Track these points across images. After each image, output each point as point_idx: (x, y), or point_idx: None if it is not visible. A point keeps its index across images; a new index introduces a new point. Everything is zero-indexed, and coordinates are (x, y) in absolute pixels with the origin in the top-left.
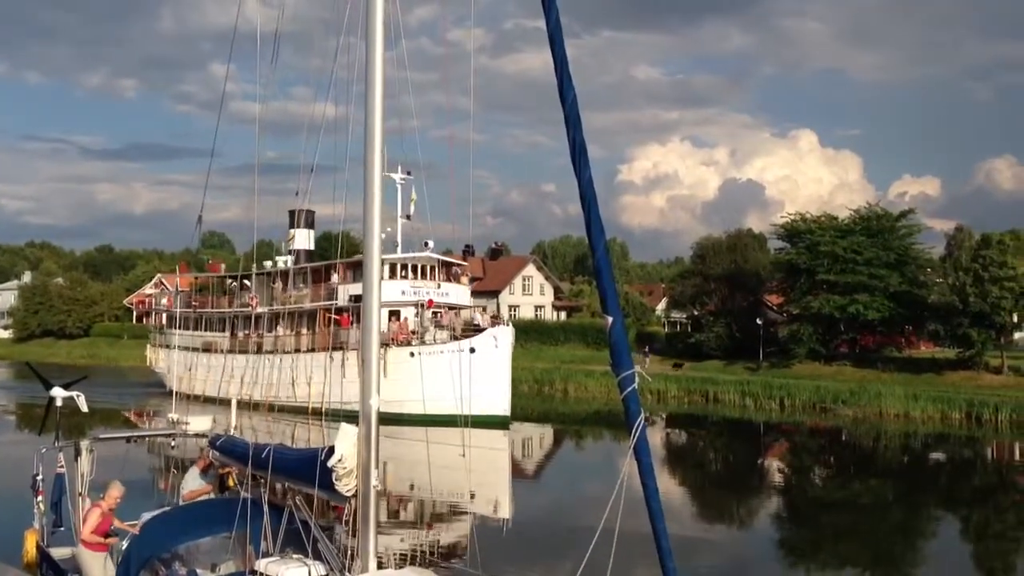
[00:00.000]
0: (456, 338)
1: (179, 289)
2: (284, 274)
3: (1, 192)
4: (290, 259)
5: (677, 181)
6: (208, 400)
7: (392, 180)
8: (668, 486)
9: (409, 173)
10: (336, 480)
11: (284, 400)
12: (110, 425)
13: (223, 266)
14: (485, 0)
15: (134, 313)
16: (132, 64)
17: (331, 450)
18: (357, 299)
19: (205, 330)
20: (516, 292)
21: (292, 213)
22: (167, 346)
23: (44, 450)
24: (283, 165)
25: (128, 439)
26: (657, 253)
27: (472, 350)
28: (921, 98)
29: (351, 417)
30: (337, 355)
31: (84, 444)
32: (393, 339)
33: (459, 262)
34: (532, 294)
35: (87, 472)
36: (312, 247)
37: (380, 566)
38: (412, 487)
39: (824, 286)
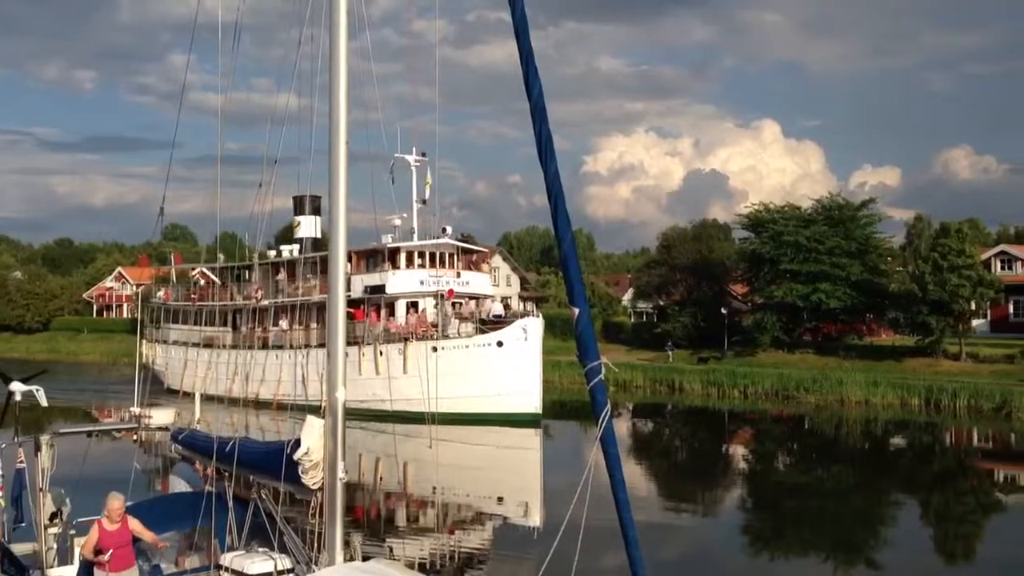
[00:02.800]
0: (481, 331)
1: (175, 281)
2: (290, 264)
3: None
4: (295, 248)
5: (642, 172)
6: (210, 399)
7: (407, 162)
8: (635, 475)
9: (424, 154)
10: (302, 473)
11: (294, 398)
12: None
13: (222, 256)
14: None
15: (94, 307)
16: (90, 55)
17: (297, 443)
18: (373, 290)
19: (205, 324)
20: None
21: (296, 199)
22: (164, 341)
23: (3, 445)
24: (246, 156)
25: (89, 434)
26: (623, 243)
27: (499, 343)
28: (880, 88)
29: (377, 414)
30: (352, 351)
31: (44, 439)
32: (412, 333)
33: (479, 248)
34: (499, 285)
35: (47, 467)
36: (319, 235)
37: (347, 559)
38: (435, 489)
39: (787, 275)
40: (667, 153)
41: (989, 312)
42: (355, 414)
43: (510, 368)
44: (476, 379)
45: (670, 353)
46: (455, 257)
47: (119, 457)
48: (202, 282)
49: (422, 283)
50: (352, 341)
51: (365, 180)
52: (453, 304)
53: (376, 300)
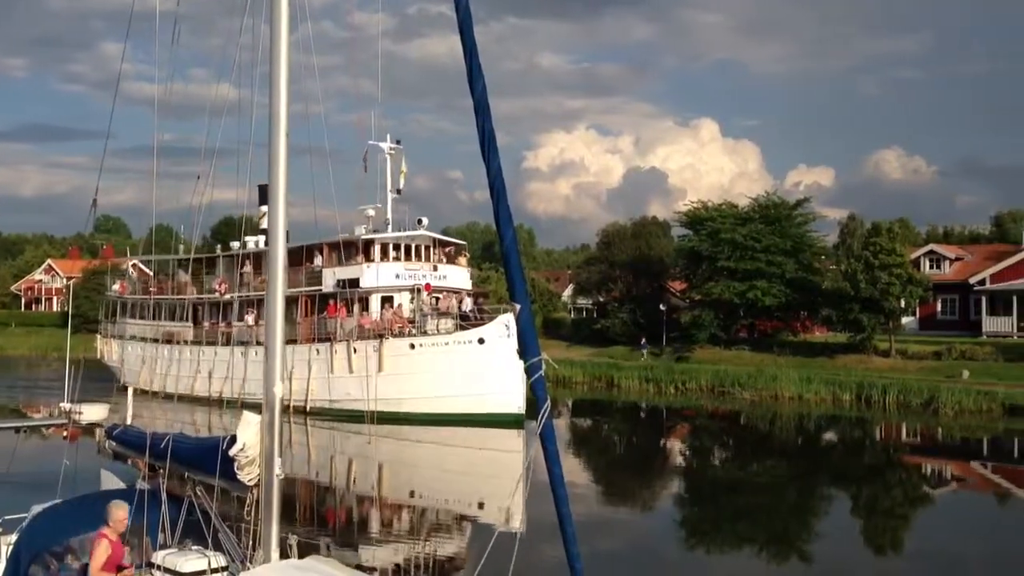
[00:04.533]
0: (462, 327)
1: (130, 274)
2: (256, 256)
3: None
4: (261, 239)
5: (583, 168)
6: (169, 397)
7: (380, 150)
8: (574, 470)
9: (399, 142)
10: (238, 469)
11: (260, 397)
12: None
13: (181, 247)
14: None
15: (22, 300)
16: (19, 42)
17: (233, 439)
18: (347, 284)
19: (165, 319)
20: None
21: (263, 188)
22: (120, 336)
23: None
24: (183, 148)
25: (17, 430)
26: (563, 240)
27: (481, 341)
28: (816, 90)
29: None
30: (323, 348)
31: None
32: (388, 329)
33: (457, 241)
34: None
35: None
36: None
37: (283, 556)
38: (413, 494)
39: (724, 273)
40: (607, 150)
41: (918, 310)
42: (328, 414)
43: (492, 366)
44: (456, 378)
45: (644, 352)
46: (431, 250)
47: (49, 454)
48: (134, 275)
49: (398, 276)
50: (324, 338)
51: (323, 174)
52: (432, 299)
53: (349, 294)
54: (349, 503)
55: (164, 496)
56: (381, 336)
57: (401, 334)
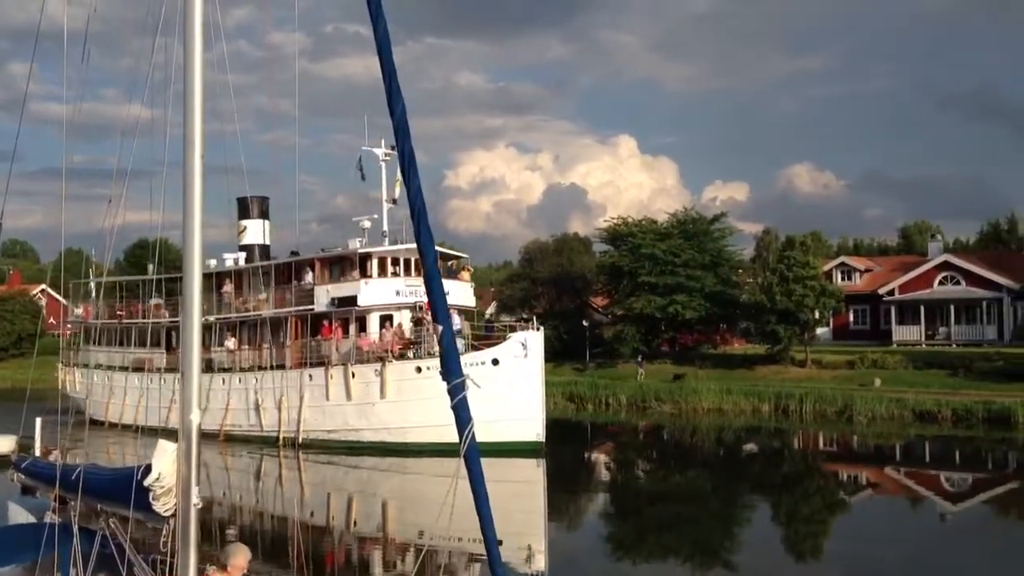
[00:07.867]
0: (475, 347)
1: (95, 296)
2: (237, 275)
3: None
4: (241, 257)
5: (503, 186)
6: (145, 431)
7: (374, 156)
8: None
9: (393, 148)
10: (153, 500)
11: (247, 428)
12: None
13: (151, 267)
14: (304, 3)
15: None
16: None
17: (148, 468)
18: (343, 302)
19: (135, 345)
20: None
21: (241, 201)
22: (85, 365)
23: None
24: (94, 169)
25: None
26: (485, 257)
27: (495, 362)
28: (729, 107)
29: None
30: (317, 373)
31: None
32: (389, 351)
33: (459, 254)
34: None
35: None
36: (268, 241)
37: None
38: (421, 533)
39: (646, 287)
40: (527, 167)
41: (831, 321)
42: (324, 446)
43: (508, 390)
44: (475, 404)
45: (641, 370)
46: None
47: None
48: (43, 301)
49: (398, 294)
50: (318, 362)
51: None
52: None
53: (344, 314)
54: (368, 549)
55: (76, 529)
56: (382, 359)
57: (404, 356)
